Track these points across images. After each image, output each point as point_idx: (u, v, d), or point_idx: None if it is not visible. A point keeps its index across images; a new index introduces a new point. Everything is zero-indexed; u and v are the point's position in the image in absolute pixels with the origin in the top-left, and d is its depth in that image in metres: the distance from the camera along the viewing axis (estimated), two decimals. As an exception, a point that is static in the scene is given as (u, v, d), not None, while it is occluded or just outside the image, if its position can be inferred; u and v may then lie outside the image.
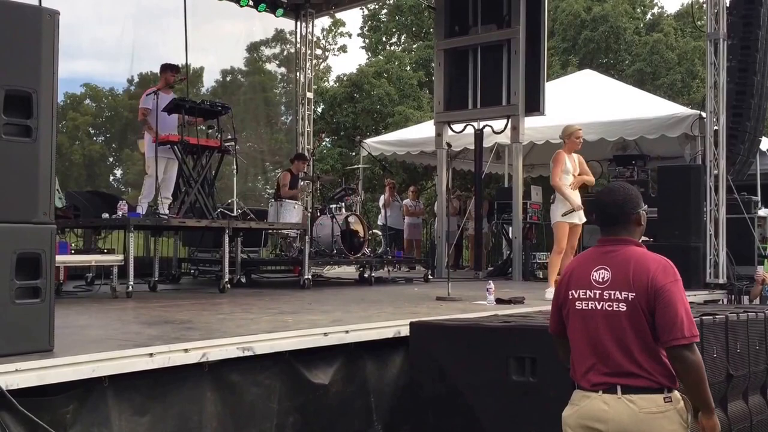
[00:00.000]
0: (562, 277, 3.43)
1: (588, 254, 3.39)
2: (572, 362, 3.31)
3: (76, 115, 40.65)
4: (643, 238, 3.46)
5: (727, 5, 11.04)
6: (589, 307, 3.21)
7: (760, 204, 12.47)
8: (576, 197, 8.42)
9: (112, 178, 42.73)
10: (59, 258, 6.69)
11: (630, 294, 3.12)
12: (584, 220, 8.52)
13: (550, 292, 8.27)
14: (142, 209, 9.26)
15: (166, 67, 10.13)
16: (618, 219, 3.28)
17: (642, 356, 3.10)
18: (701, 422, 3.15)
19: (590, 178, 8.78)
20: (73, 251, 8.31)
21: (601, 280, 3.20)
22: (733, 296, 10.43)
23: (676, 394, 3.14)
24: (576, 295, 3.27)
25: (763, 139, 12.84)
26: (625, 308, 3.12)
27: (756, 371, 5.32)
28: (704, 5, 11.26)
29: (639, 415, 3.05)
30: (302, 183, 11.80)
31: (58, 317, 4.04)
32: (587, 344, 3.21)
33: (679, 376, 3.10)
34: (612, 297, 3.15)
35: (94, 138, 42.89)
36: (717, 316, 4.97)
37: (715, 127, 10.57)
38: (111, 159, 43.11)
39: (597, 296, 3.20)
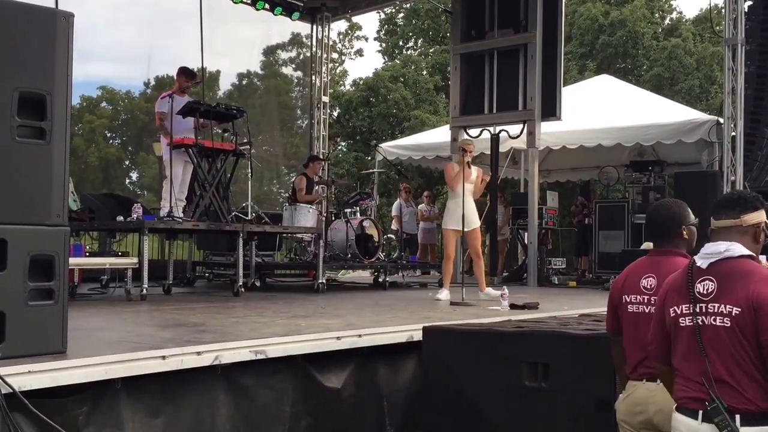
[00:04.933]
0: (617, 281, 3.81)
1: (640, 263, 3.77)
2: (627, 358, 3.68)
3: (93, 117, 40.78)
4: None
5: (746, 10, 10.97)
6: (639, 310, 3.61)
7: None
8: (469, 205, 8.85)
9: (128, 180, 42.83)
10: (74, 260, 6.73)
11: None
12: (473, 227, 8.89)
13: (443, 294, 8.67)
14: (165, 212, 9.18)
15: (182, 72, 9.98)
16: (663, 233, 3.72)
17: None
18: None
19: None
20: (87, 254, 8.34)
21: (648, 286, 3.60)
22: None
23: None
24: (628, 300, 3.67)
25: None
26: None
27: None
28: (723, 10, 11.20)
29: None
30: (317, 188, 11.72)
31: (72, 319, 4.05)
32: (638, 342, 3.58)
33: None
34: (656, 302, 3.48)
35: (110, 141, 43.02)
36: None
37: (733, 133, 10.52)
38: (127, 162, 43.25)
39: (645, 301, 3.60)
